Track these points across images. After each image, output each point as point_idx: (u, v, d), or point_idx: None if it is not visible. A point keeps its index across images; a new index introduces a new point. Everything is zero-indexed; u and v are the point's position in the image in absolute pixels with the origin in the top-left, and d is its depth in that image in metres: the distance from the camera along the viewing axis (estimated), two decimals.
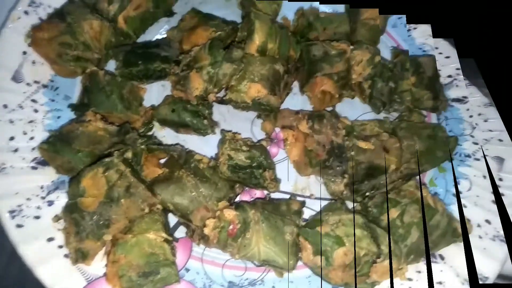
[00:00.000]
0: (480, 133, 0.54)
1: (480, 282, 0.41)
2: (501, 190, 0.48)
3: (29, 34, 0.51)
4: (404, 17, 0.63)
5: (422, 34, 0.62)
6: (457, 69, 0.59)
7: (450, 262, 0.44)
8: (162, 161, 0.48)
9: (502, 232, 0.45)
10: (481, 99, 0.56)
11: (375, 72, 0.54)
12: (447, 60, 0.60)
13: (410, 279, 0.43)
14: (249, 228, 0.42)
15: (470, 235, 0.45)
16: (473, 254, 0.44)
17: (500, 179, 0.49)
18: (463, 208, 0.47)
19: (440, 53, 0.61)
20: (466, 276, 0.43)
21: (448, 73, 0.59)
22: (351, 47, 0.55)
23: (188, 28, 0.56)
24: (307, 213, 0.48)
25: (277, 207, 0.45)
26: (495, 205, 0.47)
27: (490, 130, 0.54)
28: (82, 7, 0.52)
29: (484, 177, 0.50)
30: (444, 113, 0.56)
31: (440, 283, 0.43)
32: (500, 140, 0.52)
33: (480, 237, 0.45)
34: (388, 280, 0.42)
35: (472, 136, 0.53)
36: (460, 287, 0.42)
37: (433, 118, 0.56)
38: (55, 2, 0.54)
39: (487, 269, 0.43)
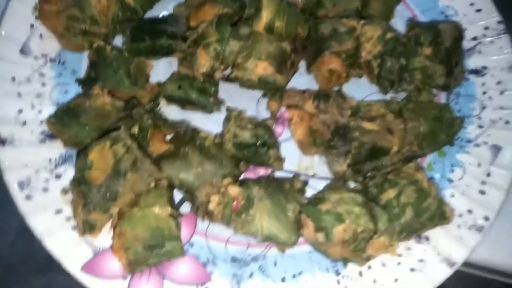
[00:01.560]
0: (489, 113, 0.53)
1: (447, 267, 0.44)
2: (485, 188, 0.49)
3: (37, 6, 0.51)
4: None
5: None
6: (486, 28, 0.57)
7: (434, 243, 0.46)
8: (168, 137, 0.49)
9: (479, 222, 0.47)
10: (508, 57, 0.54)
11: (386, 50, 0.53)
12: (477, 15, 0.58)
13: (399, 255, 0.45)
14: (252, 205, 0.43)
15: (450, 224, 0.46)
16: (448, 241, 0.46)
17: (488, 174, 0.49)
18: (451, 197, 0.48)
19: (472, 4, 0.58)
20: (446, 255, 0.45)
21: (473, 34, 0.57)
22: (362, 22, 0.53)
23: (195, 5, 0.55)
24: (310, 192, 0.49)
25: (280, 185, 0.46)
26: (481, 195, 0.48)
27: (501, 108, 0.53)
28: None
29: (479, 165, 0.50)
30: (458, 88, 0.55)
31: (421, 260, 0.45)
32: (507, 122, 0.52)
33: (459, 226, 0.47)
34: (381, 255, 0.44)
35: (479, 118, 0.53)
36: (438, 264, 0.45)
37: (444, 97, 0.56)
38: None
39: (458, 256, 0.45)
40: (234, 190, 0.43)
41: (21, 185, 0.44)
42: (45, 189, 0.44)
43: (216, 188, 0.45)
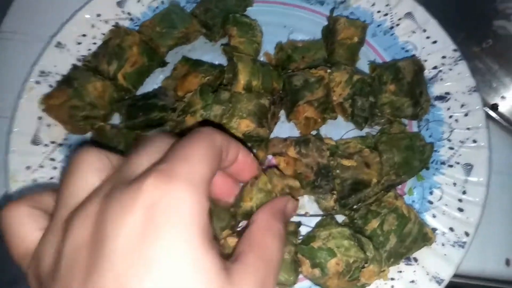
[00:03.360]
0: (458, 134, 0.58)
1: (437, 284, 0.47)
2: (462, 205, 0.53)
3: (42, 101, 0.58)
4: (383, 24, 0.67)
5: (404, 31, 0.66)
6: (443, 57, 0.62)
7: (422, 263, 0.49)
8: None
9: (462, 239, 0.50)
10: (467, 81, 0.60)
11: (355, 91, 0.59)
12: (433, 46, 0.63)
13: (392, 279, 0.49)
14: None
15: (435, 244, 0.50)
16: (435, 260, 0.49)
17: (464, 192, 0.53)
18: (433, 218, 0.52)
19: (428, 37, 0.64)
20: (434, 273, 0.48)
21: (433, 64, 0.62)
22: (329, 70, 0.60)
23: (181, 76, 0.62)
24: (304, 230, 0.53)
25: None
26: (460, 213, 0.52)
27: (468, 128, 0.58)
28: (85, 71, 0.59)
29: (454, 184, 0.54)
30: (427, 115, 0.60)
31: (412, 281, 0.48)
32: (474, 141, 0.56)
33: (443, 244, 0.50)
34: (376, 281, 0.47)
35: (449, 140, 0.58)
36: (428, 283, 0.48)
37: (415, 125, 0.61)
38: (61, 70, 0.61)
39: (445, 273, 0.48)
40: (232, 241, 0.47)
41: None
42: None
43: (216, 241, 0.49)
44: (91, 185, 0.26)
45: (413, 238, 0.48)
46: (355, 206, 0.53)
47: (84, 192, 0.25)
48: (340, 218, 0.54)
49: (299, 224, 0.53)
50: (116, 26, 0.65)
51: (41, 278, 0.24)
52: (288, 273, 0.47)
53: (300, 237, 0.52)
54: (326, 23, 0.69)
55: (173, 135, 0.30)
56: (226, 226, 0.51)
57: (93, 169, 0.26)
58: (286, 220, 0.36)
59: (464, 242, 0.49)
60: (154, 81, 0.65)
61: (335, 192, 0.53)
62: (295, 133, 0.61)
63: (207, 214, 0.24)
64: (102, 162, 0.27)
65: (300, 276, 0.49)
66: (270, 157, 0.59)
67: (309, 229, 0.54)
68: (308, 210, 0.56)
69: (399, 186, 0.55)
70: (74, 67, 0.61)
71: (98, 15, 0.66)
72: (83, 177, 0.26)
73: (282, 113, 0.63)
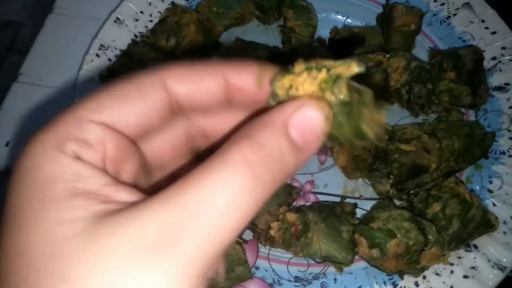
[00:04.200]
0: None
1: (499, 271, 0.47)
2: None
3: (102, 73, 0.59)
4: (439, 13, 0.66)
5: (462, 21, 0.64)
6: (503, 48, 0.61)
7: (483, 250, 0.49)
8: None
9: None
10: None
11: (412, 77, 0.58)
12: (492, 37, 0.62)
13: (451, 264, 0.48)
14: (309, 229, 0.47)
15: (496, 232, 0.49)
16: (496, 247, 0.49)
17: None
18: (493, 207, 0.51)
19: (486, 28, 0.63)
20: (496, 261, 0.48)
21: (492, 55, 0.61)
22: (387, 55, 0.59)
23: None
24: (359, 213, 0.53)
25: (332, 209, 0.50)
26: None
27: None
28: (144, 46, 0.60)
29: None
30: (485, 105, 0.59)
31: (473, 267, 0.48)
32: None
33: (504, 232, 0.50)
34: (435, 265, 0.47)
35: (509, 131, 0.57)
36: (490, 270, 0.47)
37: (473, 113, 0.60)
38: (120, 44, 0.62)
39: (507, 260, 0.48)
40: (291, 216, 0.48)
41: None
42: None
43: (274, 216, 0.50)
44: None
45: (476, 223, 0.47)
46: (411, 191, 0.52)
47: None
48: (395, 203, 0.53)
49: (355, 205, 0.52)
50: (173, 4, 0.66)
51: None
52: (346, 251, 0.47)
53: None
54: (379, 11, 0.68)
55: None
56: (283, 202, 0.51)
57: None
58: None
59: None
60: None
61: (392, 176, 0.53)
62: None
63: None
64: None
65: (356, 257, 0.49)
66: None
67: (364, 212, 0.54)
68: (362, 193, 0.55)
69: (457, 174, 0.54)
70: (133, 42, 0.62)
71: None
72: None
73: None
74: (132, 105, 0.18)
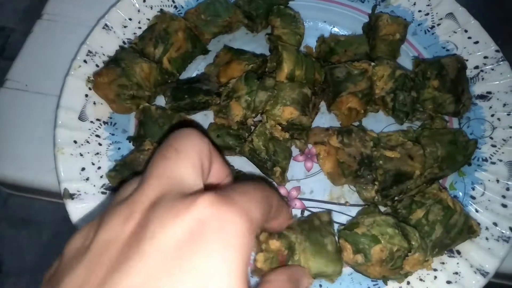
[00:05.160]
0: (500, 132, 0.58)
1: (481, 277, 0.48)
2: (506, 201, 0.53)
3: (90, 79, 0.59)
4: (423, 23, 0.68)
5: (445, 31, 0.66)
6: (485, 57, 0.63)
7: (465, 256, 0.50)
8: None
9: (506, 233, 0.50)
10: (510, 81, 0.60)
11: (397, 85, 0.59)
12: (475, 46, 0.64)
13: (435, 269, 0.49)
14: (295, 251, 0.45)
15: (478, 237, 0.50)
16: (479, 253, 0.49)
17: (507, 189, 0.53)
18: (476, 213, 0.52)
19: (469, 38, 0.64)
20: (479, 266, 0.48)
21: (475, 64, 0.63)
22: (372, 64, 0.60)
23: (223, 63, 0.63)
24: (344, 219, 0.53)
25: (311, 224, 0.49)
26: (504, 208, 0.52)
27: (511, 127, 0.58)
28: (132, 52, 0.60)
29: (497, 181, 0.54)
30: (468, 113, 0.60)
31: (456, 273, 0.48)
32: None
33: (486, 238, 0.50)
34: (418, 270, 0.47)
35: (491, 138, 0.58)
36: (473, 275, 0.48)
37: (456, 121, 0.61)
38: (108, 51, 0.62)
39: (490, 266, 0.48)
40: (275, 244, 0.45)
41: None
42: None
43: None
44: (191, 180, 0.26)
45: (459, 229, 0.48)
46: (396, 198, 0.53)
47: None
48: (380, 209, 0.54)
49: (329, 212, 0.52)
50: (162, 11, 0.67)
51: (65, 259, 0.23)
52: (334, 264, 0.47)
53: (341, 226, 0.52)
54: (366, 20, 0.70)
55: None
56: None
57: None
58: None
59: (509, 237, 0.49)
60: (195, 68, 0.66)
61: (376, 182, 0.53)
62: (335, 124, 0.61)
63: (249, 257, 0.23)
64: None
65: None
66: (310, 146, 0.59)
67: (349, 218, 0.54)
68: (348, 200, 0.56)
69: (440, 181, 0.55)
70: (121, 48, 0.62)
71: (144, 1, 0.67)
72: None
73: (322, 105, 0.63)
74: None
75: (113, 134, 0.58)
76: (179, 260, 0.21)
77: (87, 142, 0.56)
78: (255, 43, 0.69)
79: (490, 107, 0.60)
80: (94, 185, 0.53)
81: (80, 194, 0.52)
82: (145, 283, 0.20)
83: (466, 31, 0.66)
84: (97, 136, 0.57)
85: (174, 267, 0.20)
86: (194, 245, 0.21)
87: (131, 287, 0.20)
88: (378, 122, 0.61)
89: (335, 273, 0.47)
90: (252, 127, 0.59)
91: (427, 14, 0.69)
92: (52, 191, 0.58)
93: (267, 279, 0.30)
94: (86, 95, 0.59)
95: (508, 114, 0.58)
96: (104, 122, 0.58)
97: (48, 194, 0.59)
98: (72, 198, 0.51)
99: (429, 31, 0.68)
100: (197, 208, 0.22)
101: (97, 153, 0.55)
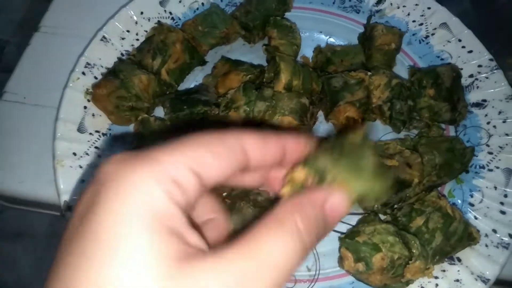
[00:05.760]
0: (496, 139, 0.58)
1: (483, 284, 0.48)
2: (504, 208, 0.53)
3: (88, 91, 0.59)
4: (418, 33, 0.69)
5: (440, 40, 0.67)
6: (479, 66, 0.64)
7: (466, 263, 0.50)
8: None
9: (505, 240, 0.51)
10: (504, 89, 0.61)
11: (393, 94, 0.60)
12: (469, 55, 0.65)
13: (436, 277, 0.49)
14: (326, 176, 0.44)
15: (478, 244, 0.50)
16: (479, 260, 0.50)
17: (505, 195, 0.54)
18: (475, 220, 0.53)
19: (463, 47, 0.65)
20: (479, 273, 0.49)
21: (469, 72, 0.64)
22: (369, 73, 0.61)
23: (221, 74, 0.63)
24: (344, 227, 0.53)
25: (343, 141, 0.47)
26: (503, 215, 0.53)
27: (506, 134, 0.59)
28: (130, 64, 0.61)
29: (495, 188, 0.55)
30: (464, 121, 0.61)
31: (457, 280, 0.49)
32: None
33: (486, 245, 0.51)
34: (420, 278, 0.47)
35: (488, 145, 0.59)
36: (474, 282, 0.48)
37: (453, 129, 0.62)
38: (106, 63, 0.63)
39: (490, 273, 0.49)
40: (300, 173, 0.43)
41: None
42: None
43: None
44: None
45: (458, 237, 0.48)
46: (395, 206, 0.53)
47: None
48: (380, 217, 0.54)
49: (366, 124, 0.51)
50: (159, 23, 0.67)
51: None
52: (378, 179, 0.37)
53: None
54: (361, 30, 0.70)
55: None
56: None
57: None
58: (322, 227, 0.23)
59: (508, 244, 0.50)
60: (194, 79, 0.67)
61: None
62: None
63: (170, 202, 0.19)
64: None
65: (342, 272, 0.49)
66: None
67: (349, 226, 0.54)
68: None
69: (439, 189, 0.56)
70: (120, 60, 0.62)
71: (141, 13, 0.68)
72: None
73: (320, 114, 0.64)
74: (220, 161, 0.21)
75: (112, 146, 0.58)
76: (82, 226, 0.20)
77: (86, 154, 0.56)
78: (252, 54, 0.69)
79: (486, 115, 0.61)
80: None
81: None
82: None
83: (460, 40, 0.67)
84: (96, 148, 0.57)
85: (78, 236, 0.20)
86: (92, 209, 0.20)
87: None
88: (376, 131, 0.62)
89: (382, 189, 0.41)
90: None
91: (421, 24, 0.70)
92: (50, 203, 0.57)
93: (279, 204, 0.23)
94: (85, 107, 0.59)
95: (504, 122, 0.59)
96: (103, 134, 0.58)
97: (46, 206, 0.59)
98: (72, 211, 0.51)
99: (423, 40, 0.69)
100: (101, 169, 0.22)
101: (97, 165, 0.55)
